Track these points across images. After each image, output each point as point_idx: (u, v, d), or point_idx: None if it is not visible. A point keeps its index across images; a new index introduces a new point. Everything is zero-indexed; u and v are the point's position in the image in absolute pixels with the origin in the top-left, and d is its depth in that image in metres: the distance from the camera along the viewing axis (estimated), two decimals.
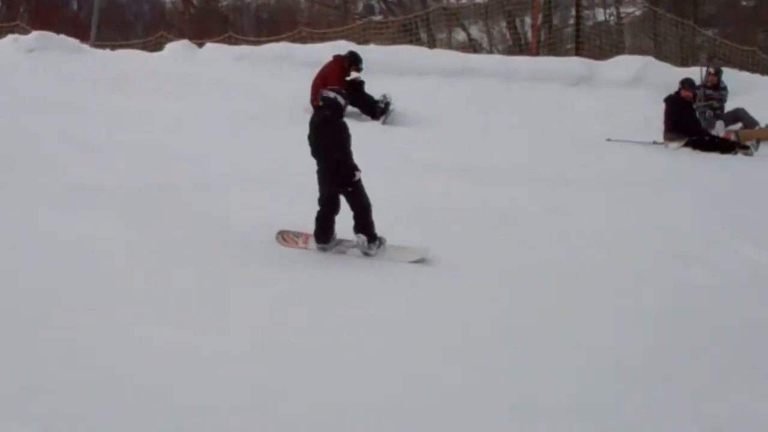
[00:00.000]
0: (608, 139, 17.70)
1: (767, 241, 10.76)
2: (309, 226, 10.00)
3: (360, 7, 49.50)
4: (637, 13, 41.89)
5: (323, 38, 28.35)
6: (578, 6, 30.55)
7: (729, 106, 19.54)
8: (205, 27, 41.46)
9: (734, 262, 10.14)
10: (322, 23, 41.54)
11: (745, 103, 20.13)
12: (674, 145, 17.66)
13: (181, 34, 34.10)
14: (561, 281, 9.19)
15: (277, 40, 27.72)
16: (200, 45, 27.20)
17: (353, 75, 19.01)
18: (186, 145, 14.80)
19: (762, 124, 19.18)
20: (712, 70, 19.73)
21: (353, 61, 19.08)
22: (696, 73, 19.88)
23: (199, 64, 23.93)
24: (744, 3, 52.86)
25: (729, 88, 19.99)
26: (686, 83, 18.28)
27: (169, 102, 18.43)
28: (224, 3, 53.52)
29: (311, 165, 9.79)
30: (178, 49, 26.06)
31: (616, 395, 6.57)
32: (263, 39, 29.80)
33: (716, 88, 19.39)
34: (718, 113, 19.15)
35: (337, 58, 19.20)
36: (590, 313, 8.34)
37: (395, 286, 8.94)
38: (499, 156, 15.44)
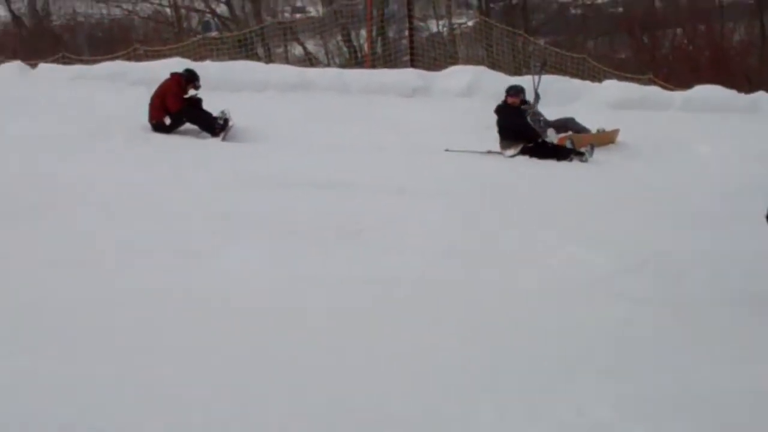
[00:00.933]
0: (446, 150, 17.92)
1: (599, 245, 11.06)
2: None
3: (195, 23, 49.23)
4: (470, 23, 42.56)
5: (159, 56, 28.15)
6: (411, 18, 30.92)
7: (560, 113, 19.97)
8: (38, 48, 40.69)
9: (564, 267, 10.42)
10: (157, 41, 41.19)
11: (577, 109, 20.65)
12: (510, 152, 17.97)
13: (14, 56, 33.48)
14: (405, 293, 9.31)
15: (112, 59, 27.41)
16: (33, 66, 26.76)
17: (191, 92, 18.94)
18: (23, 167, 14.59)
19: (593, 130, 19.63)
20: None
21: (190, 78, 19.01)
22: (529, 81, 20.30)
23: (32, 86, 23.53)
24: (573, 11, 54.19)
25: (562, 95, 20.58)
26: (511, 90, 18.64)
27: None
28: (57, 23, 52.62)
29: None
30: (10, 70, 25.60)
31: (463, 406, 6.65)
32: (98, 58, 29.39)
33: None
34: (545, 119, 19.45)
35: (174, 76, 19.11)
36: (429, 325, 8.45)
37: None
38: (342, 168, 15.51)
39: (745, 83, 27.49)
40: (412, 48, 30.49)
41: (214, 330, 7.84)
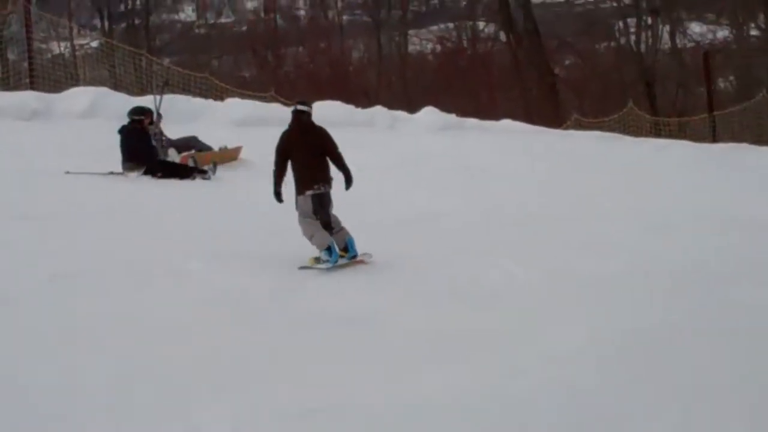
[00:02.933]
0: (67, 172, 17.56)
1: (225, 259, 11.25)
2: None
3: None
4: (93, 44, 42.10)
5: None
6: (30, 40, 30.20)
7: (183, 132, 20.07)
8: None
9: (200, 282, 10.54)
10: None
11: (200, 128, 20.82)
12: (134, 174, 17.85)
13: None
14: None
15: None
16: None
17: None
18: None
19: (216, 148, 19.84)
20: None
21: None
22: (151, 101, 20.20)
23: None
24: (197, 31, 54.60)
25: (184, 114, 20.75)
26: (136, 111, 18.57)
27: None
28: None
29: None
30: None
31: None
32: None
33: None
34: (168, 139, 19.46)
35: None
36: None
37: None
38: None
39: (364, 98, 28.45)
40: (31, 70, 29.80)
41: None
